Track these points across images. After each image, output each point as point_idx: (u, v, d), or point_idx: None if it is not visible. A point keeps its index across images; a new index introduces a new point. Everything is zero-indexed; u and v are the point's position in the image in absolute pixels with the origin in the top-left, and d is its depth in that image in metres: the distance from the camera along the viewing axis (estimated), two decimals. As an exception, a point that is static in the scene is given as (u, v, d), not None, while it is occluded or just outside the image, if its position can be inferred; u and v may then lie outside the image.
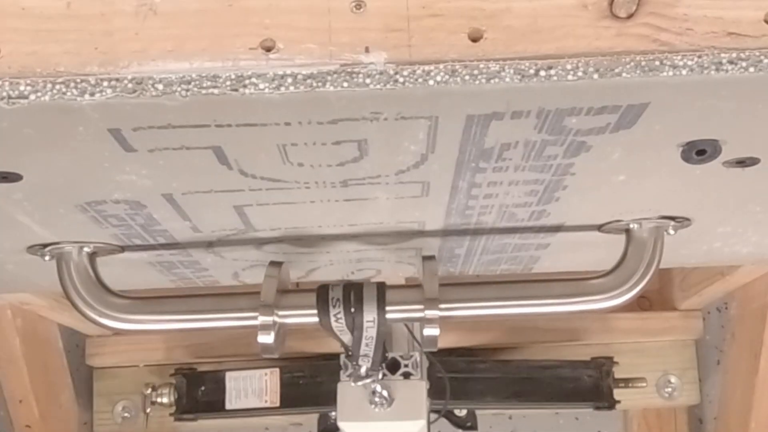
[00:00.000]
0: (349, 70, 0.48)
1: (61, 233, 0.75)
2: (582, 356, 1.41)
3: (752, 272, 1.22)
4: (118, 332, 1.24)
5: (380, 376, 1.00)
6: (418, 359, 1.12)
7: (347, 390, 1.07)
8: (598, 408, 1.37)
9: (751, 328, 1.29)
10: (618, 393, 1.37)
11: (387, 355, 1.09)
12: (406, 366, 1.11)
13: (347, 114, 0.52)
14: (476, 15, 0.48)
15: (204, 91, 0.48)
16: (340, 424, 1.08)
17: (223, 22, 0.48)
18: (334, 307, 0.81)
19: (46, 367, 1.37)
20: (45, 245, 0.77)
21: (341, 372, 1.10)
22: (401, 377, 1.11)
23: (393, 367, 1.11)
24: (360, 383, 0.93)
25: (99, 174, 0.60)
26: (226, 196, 0.67)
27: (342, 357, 1.11)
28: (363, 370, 0.89)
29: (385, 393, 1.04)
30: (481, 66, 0.48)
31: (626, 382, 1.38)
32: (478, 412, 1.38)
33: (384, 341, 0.84)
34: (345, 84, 0.48)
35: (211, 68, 0.48)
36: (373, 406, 1.06)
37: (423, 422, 1.08)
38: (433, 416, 1.22)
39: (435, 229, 0.79)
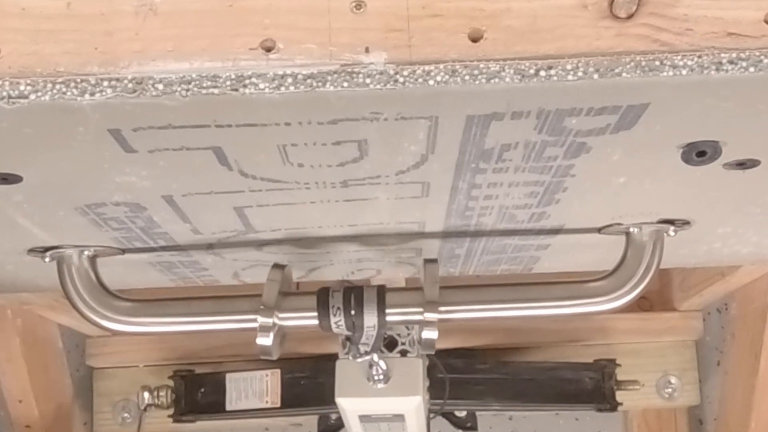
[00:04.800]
0: (349, 70, 0.48)
1: (61, 236, 0.75)
2: (582, 357, 1.41)
3: (752, 273, 1.22)
4: (119, 334, 1.24)
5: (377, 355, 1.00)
6: (415, 337, 1.12)
7: (345, 366, 1.08)
8: (599, 410, 1.37)
9: (751, 329, 1.29)
10: (618, 394, 1.37)
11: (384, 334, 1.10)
12: (403, 344, 1.11)
13: (347, 114, 0.52)
14: (476, 15, 0.48)
15: (204, 91, 0.48)
16: (338, 400, 1.09)
17: (223, 22, 0.48)
18: (334, 311, 0.81)
19: (46, 367, 1.37)
20: (45, 248, 0.77)
21: (340, 351, 1.10)
22: (398, 355, 1.11)
23: (390, 344, 1.11)
24: (359, 360, 0.93)
25: (99, 175, 0.60)
26: (226, 198, 0.66)
27: (341, 337, 1.11)
28: (362, 350, 0.90)
29: (382, 365, 1.04)
30: (481, 66, 0.48)
31: (619, 384, 1.38)
32: (478, 413, 1.38)
33: (383, 335, 0.84)
34: (345, 84, 0.48)
35: (211, 68, 0.48)
36: (370, 382, 1.06)
37: (419, 398, 1.09)
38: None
39: (435, 230, 0.79)
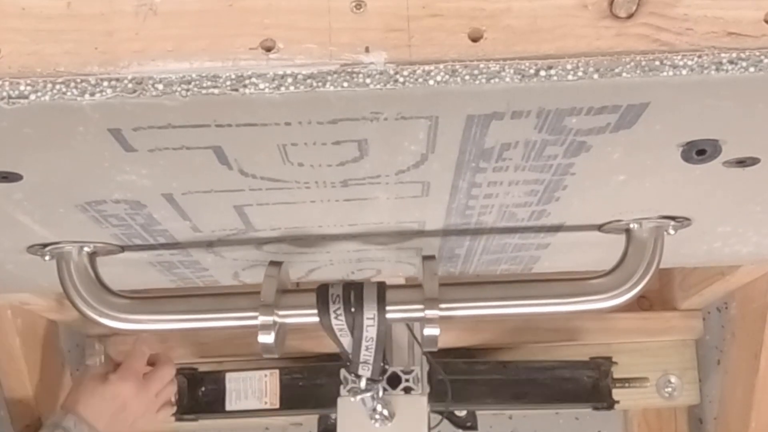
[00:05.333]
0: (349, 70, 0.48)
1: (61, 233, 0.75)
2: (582, 356, 1.41)
3: (752, 272, 1.22)
4: (118, 332, 1.25)
5: (380, 392, 0.99)
6: (419, 374, 1.11)
7: (347, 405, 1.06)
8: (596, 408, 1.37)
9: (751, 328, 1.29)
10: (618, 393, 1.37)
11: (387, 368, 1.08)
12: (407, 381, 1.10)
13: (347, 114, 0.52)
14: (476, 15, 0.48)
15: (204, 91, 0.48)
16: None
17: (223, 22, 0.48)
18: (334, 306, 0.81)
19: (46, 367, 1.36)
20: (45, 245, 0.77)
21: (341, 387, 1.09)
22: (402, 392, 1.10)
23: (394, 381, 1.10)
24: (360, 397, 0.92)
25: (99, 174, 0.60)
26: (226, 196, 0.67)
27: (342, 372, 1.10)
28: (363, 383, 0.89)
29: (385, 412, 1.03)
30: (481, 66, 0.48)
31: (628, 381, 1.38)
32: (478, 413, 1.38)
33: (384, 348, 0.84)
34: (345, 84, 0.48)
35: (211, 68, 0.48)
36: (373, 421, 1.05)
37: None
38: (436, 418, 1.22)
39: (435, 229, 0.79)
